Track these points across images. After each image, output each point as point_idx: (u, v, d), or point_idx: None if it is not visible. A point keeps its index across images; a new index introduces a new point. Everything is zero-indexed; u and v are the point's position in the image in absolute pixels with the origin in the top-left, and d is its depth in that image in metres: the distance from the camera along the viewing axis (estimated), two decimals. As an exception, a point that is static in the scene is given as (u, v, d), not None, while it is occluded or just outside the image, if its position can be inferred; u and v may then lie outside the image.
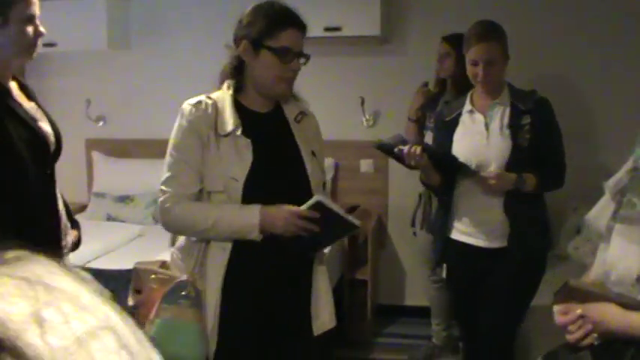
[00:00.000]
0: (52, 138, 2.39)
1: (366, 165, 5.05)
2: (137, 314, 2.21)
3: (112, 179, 5.19)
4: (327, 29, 4.58)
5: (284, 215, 2.24)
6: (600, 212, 2.06)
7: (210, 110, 2.29)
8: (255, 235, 2.24)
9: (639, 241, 1.84)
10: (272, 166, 2.33)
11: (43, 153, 2.34)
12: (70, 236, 2.50)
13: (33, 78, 4.30)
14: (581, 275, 2.59)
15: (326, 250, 2.60)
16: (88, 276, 0.47)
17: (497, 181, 2.91)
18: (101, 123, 5.49)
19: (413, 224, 4.39)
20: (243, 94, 2.37)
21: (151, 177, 4.76)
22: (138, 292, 2.29)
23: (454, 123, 3.10)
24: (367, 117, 5.01)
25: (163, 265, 2.39)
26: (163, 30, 5.25)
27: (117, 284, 3.16)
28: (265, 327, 2.37)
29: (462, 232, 3.09)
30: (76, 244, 2.54)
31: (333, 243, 2.42)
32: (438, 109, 3.45)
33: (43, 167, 2.33)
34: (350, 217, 2.38)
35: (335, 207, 2.31)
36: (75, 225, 2.56)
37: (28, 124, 2.28)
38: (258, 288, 2.34)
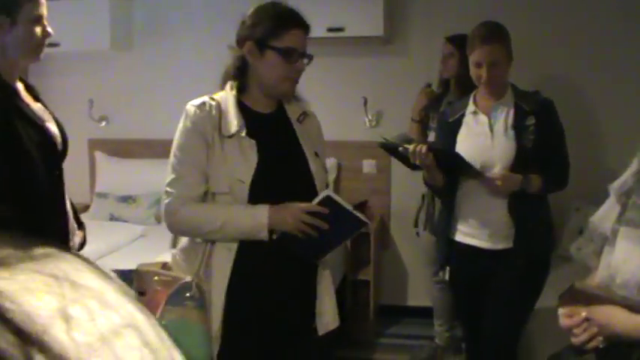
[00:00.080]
0: (59, 139, 2.39)
1: (368, 165, 5.05)
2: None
3: (115, 179, 5.20)
4: (330, 30, 4.58)
5: (293, 212, 2.23)
6: (605, 215, 2.05)
7: (214, 111, 2.29)
8: (264, 235, 2.24)
9: None
10: (277, 166, 2.33)
11: (52, 153, 2.34)
12: (77, 237, 2.51)
13: (35, 78, 4.30)
14: (585, 276, 2.59)
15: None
16: (113, 274, 0.48)
17: (503, 182, 2.89)
18: (104, 123, 5.50)
19: (416, 225, 4.38)
20: (246, 94, 2.37)
21: (153, 177, 4.78)
22: (141, 293, 2.28)
23: (457, 124, 3.08)
24: (370, 117, 5.01)
25: (165, 266, 2.38)
26: (166, 30, 5.26)
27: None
28: (270, 327, 2.37)
29: (465, 233, 3.07)
30: (82, 245, 2.55)
31: (341, 244, 2.41)
32: (440, 111, 3.43)
33: (51, 167, 2.33)
34: (359, 213, 2.39)
35: (344, 202, 2.31)
36: (81, 226, 2.57)
37: (36, 125, 2.29)
38: (263, 288, 2.34)
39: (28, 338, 0.39)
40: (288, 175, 2.36)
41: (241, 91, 2.37)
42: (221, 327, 2.28)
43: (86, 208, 5.14)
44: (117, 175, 5.23)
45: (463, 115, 3.08)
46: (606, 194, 2.07)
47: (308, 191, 2.33)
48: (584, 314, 1.85)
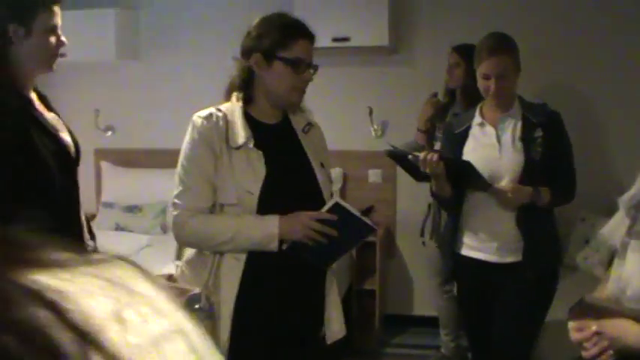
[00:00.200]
0: (72, 148, 2.40)
1: (374, 175, 5.05)
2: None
3: (121, 189, 5.21)
4: (336, 39, 4.59)
5: (303, 220, 2.24)
6: (615, 228, 2.04)
7: (221, 122, 2.29)
8: (274, 246, 2.24)
9: None
10: (285, 177, 2.33)
11: (67, 162, 2.35)
12: (90, 247, 2.51)
13: (42, 88, 4.31)
14: (592, 285, 2.58)
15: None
16: (164, 283, 0.49)
17: (514, 194, 2.86)
18: (110, 133, 5.51)
19: (422, 234, 4.38)
20: (252, 105, 2.38)
21: (159, 187, 4.79)
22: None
23: (464, 136, 3.05)
24: (375, 127, 5.01)
25: (169, 279, 2.38)
26: (172, 41, 5.27)
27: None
28: (278, 337, 2.37)
29: (472, 247, 3.03)
30: None
31: (350, 250, 2.43)
32: (446, 122, 3.41)
33: (67, 176, 2.34)
34: (366, 219, 2.40)
35: (352, 209, 2.31)
36: (92, 237, 2.57)
37: (51, 134, 2.29)
38: (271, 298, 2.34)
39: (85, 337, 0.41)
40: (295, 185, 2.36)
41: (247, 102, 2.37)
42: (229, 337, 2.28)
43: (92, 217, 5.13)
44: (123, 184, 5.24)
45: (469, 127, 3.05)
46: (612, 204, 2.07)
47: (315, 202, 2.33)
48: (594, 328, 1.84)
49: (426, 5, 4.89)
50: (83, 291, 0.44)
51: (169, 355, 0.45)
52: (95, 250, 0.48)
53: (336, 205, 2.27)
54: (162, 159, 5.00)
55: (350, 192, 5.03)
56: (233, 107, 2.35)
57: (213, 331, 2.21)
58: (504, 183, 2.90)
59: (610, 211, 4.05)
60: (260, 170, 2.26)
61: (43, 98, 2.42)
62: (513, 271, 2.94)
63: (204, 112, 2.32)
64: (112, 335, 0.42)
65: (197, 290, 2.21)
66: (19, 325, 0.40)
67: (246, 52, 2.33)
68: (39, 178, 2.20)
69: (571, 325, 1.93)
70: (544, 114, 2.95)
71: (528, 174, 2.89)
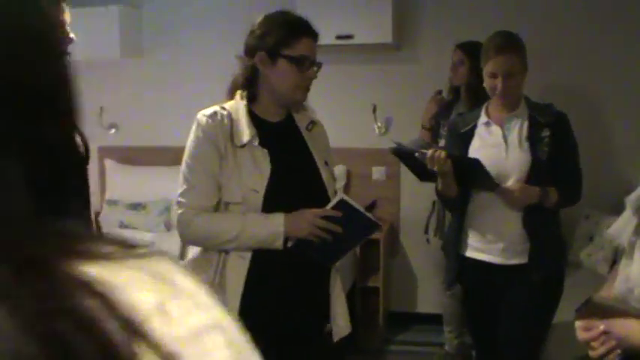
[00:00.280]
0: (82, 147, 2.40)
1: (378, 172, 5.05)
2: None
3: (125, 187, 5.22)
4: (339, 37, 4.59)
5: (308, 217, 2.25)
6: (622, 228, 2.04)
7: (225, 121, 2.29)
8: (280, 244, 2.25)
9: None
10: (290, 175, 2.33)
11: (78, 160, 2.35)
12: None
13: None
14: (595, 283, 2.57)
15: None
16: (204, 279, 0.51)
17: (521, 193, 2.83)
18: (113, 131, 5.52)
19: (426, 231, 4.38)
20: (255, 103, 2.38)
21: (163, 184, 4.80)
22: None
23: (469, 135, 3.01)
24: (379, 124, 5.02)
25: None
26: (175, 39, 5.28)
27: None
28: (284, 334, 2.37)
29: (477, 249, 2.99)
30: None
31: (354, 247, 2.44)
32: (451, 121, 3.38)
33: (77, 175, 2.33)
34: (371, 216, 2.41)
35: (357, 205, 2.33)
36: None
37: None
38: (276, 295, 2.34)
39: (130, 327, 0.44)
40: (300, 183, 2.36)
41: (251, 100, 2.37)
42: None
43: (96, 215, 5.15)
44: (127, 182, 5.25)
45: (475, 127, 3.01)
46: (616, 202, 2.07)
47: (320, 199, 2.33)
48: (602, 327, 1.84)
49: (429, 2, 4.88)
50: (129, 283, 0.47)
51: (208, 347, 0.48)
52: (138, 245, 0.52)
53: (342, 201, 2.28)
54: (166, 157, 5.01)
55: (353, 189, 5.03)
56: (237, 105, 2.35)
57: None
58: (511, 182, 2.87)
59: (614, 208, 4.06)
60: (265, 168, 2.27)
61: None
62: (518, 274, 2.90)
63: (209, 111, 2.32)
64: (156, 326, 0.45)
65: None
66: (73, 314, 0.42)
67: (250, 51, 2.33)
68: None
69: (578, 324, 1.93)
70: (551, 114, 2.92)
71: (535, 174, 2.85)
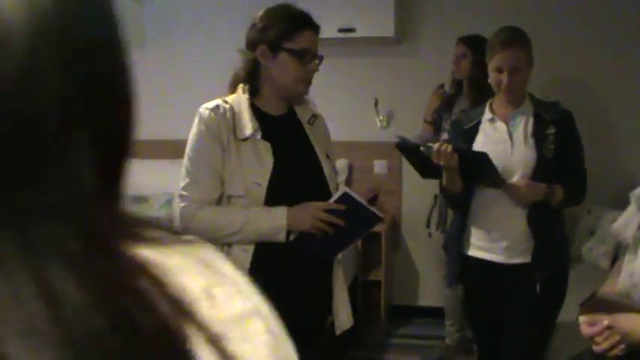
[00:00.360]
0: None
1: (379, 166, 5.06)
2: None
3: (127, 179, 5.21)
4: (341, 30, 4.59)
5: (311, 210, 2.25)
6: (627, 223, 2.03)
7: (228, 114, 2.29)
8: (282, 237, 2.25)
9: None
10: (292, 168, 2.33)
11: None
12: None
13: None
14: (597, 277, 2.58)
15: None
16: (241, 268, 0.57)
17: (527, 189, 2.80)
18: (115, 123, 5.52)
19: (428, 225, 4.38)
20: (257, 97, 2.38)
21: (165, 177, 4.80)
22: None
23: (474, 131, 2.97)
24: (381, 118, 5.01)
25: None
26: (176, 32, 5.28)
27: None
28: (286, 327, 2.37)
29: (479, 247, 2.96)
30: None
31: (356, 240, 2.44)
32: (454, 118, 3.33)
33: None
34: (374, 209, 2.42)
35: (360, 199, 2.33)
36: None
37: None
38: (279, 288, 2.34)
39: (179, 307, 0.48)
40: (302, 177, 2.37)
41: (253, 93, 2.37)
42: None
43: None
44: (129, 175, 5.24)
45: (479, 123, 2.98)
46: (618, 196, 2.07)
47: (322, 193, 2.34)
48: (606, 322, 1.84)
49: (431, -4, 4.88)
50: (179, 267, 0.51)
51: (250, 332, 0.52)
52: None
53: (345, 195, 2.28)
54: (168, 149, 5.01)
55: (355, 183, 5.04)
56: (239, 99, 2.35)
57: None
58: (516, 178, 2.84)
59: (615, 202, 4.06)
60: (268, 161, 2.27)
61: None
62: (522, 273, 2.86)
63: (211, 104, 2.32)
64: (203, 309, 0.49)
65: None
66: (134, 292, 0.46)
67: (252, 44, 2.33)
68: None
69: (582, 319, 1.93)
70: (556, 112, 2.89)
71: (540, 171, 2.82)
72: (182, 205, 2.29)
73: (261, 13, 2.35)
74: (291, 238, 2.27)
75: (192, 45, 5.26)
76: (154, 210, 4.99)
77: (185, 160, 2.32)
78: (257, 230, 2.24)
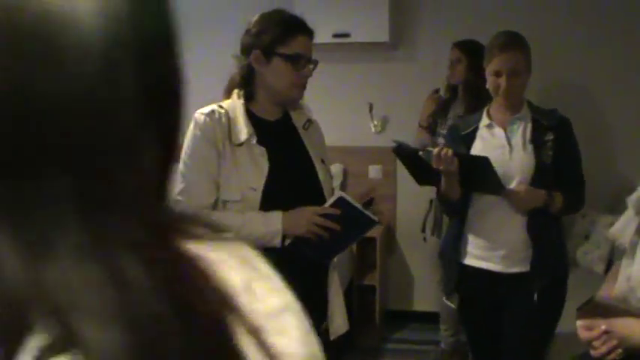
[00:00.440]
0: None
1: (374, 171, 5.06)
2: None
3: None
4: (336, 35, 4.60)
5: (306, 215, 2.25)
6: (624, 228, 2.04)
7: (223, 119, 2.29)
8: (278, 242, 2.25)
9: None
10: (287, 173, 2.33)
11: None
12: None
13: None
14: (592, 283, 2.58)
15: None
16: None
17: (526, 195, 2.75)
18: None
19: (423, 230, 4.39)
20: (252, 102, 2.38)
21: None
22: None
23: (471, 137, 2.92)
24: (375, 123, 5.02)
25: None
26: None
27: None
28: None
29: (476, 256, 2.90)
30: None
31: (352, 244, 2.45)
32: (451, 123, 3.30)
33: None
34: (369, 213, 2.42)
35: (356, 203, 2.34)
36: None
37: None
38: None
39: (222, 297, 0.52)
40: (297, 182, 2.37)
41: (248, 99, 2.37)
42: None
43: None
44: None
45: (477, 129, 2.93)
46: (613, 201, 2.08)
47: (316, 198, 2.34)
48: (603, 327, 1.85)
49: (426, 1, 4.89)
50: (222, 262, 0.55)
51: (285, 326, 0.56)
52: (224, 230, 0.61)
53: (340, 199, 2.28)
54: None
55: (350, 188, 5.03)
56: (234, 104, 2.35)
57: None
58: (515, 184, 2.79)
59: (610, 207, 4.07)
60: (263, 166, 2.27)
61: None
62: (520, 282, 2.81)
63: (207, 109, 2.32)
64: (244, 301, 0.54)
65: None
66: (189, 281, 0.51)
67: (246, 49, 2.33)
68: None
69: (580, 323, 1.93)
70: (554, 118, 2.85)
71: (539, 177, 2.78)
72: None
73: (255, 18, 2.35)
74: (287, 242, 2.27)
75: (187, 50, 5.23)
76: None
77: (180, 165, 2.32)
78: (252, 235, 2.24)
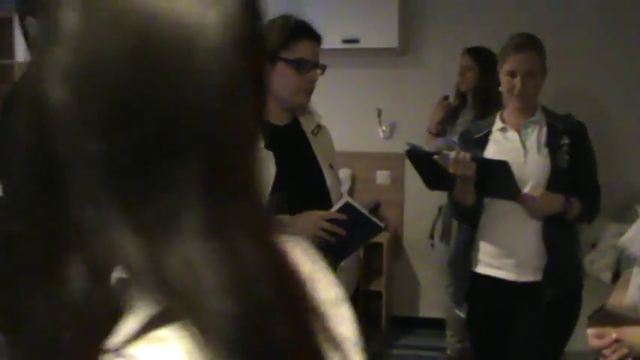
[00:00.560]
0: None
1: (382, 176, 5.06)
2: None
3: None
4: (345, 41, 4.60)
5: (313, 219, 2.25)
6: (635, 236, 2.03)
7: None
8: None
9: None
10: (294, 178, 2.33)
11: None
12: None
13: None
14: (599, 291, 2.56)
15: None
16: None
17: (543, 200, 2.66)
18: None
19: (431, 236, 4.38)
20: (262, 107, 2.38)
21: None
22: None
23: (484, 141, 2.86)
24: (384, 128, 5.02)
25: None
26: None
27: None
28: None
29: (488, 264, 2.82)
30: None
31: (357, 249, 2.44)
32: (464, 128, 3.16)
33: None
34: (376, 219, 2.42)
35: (362, 208, 2.33)
36: None
37: None
38: None
39: (300, 286, 0.58)
40: (304, 187, 2.37)
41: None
42: None
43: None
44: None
45: (490, 133, 2.87)
46: (620, 209, 2.07)
47: (323, 203, 2.34)
48: (614, 335, 1.85)
49: (435, 7, 4.89)
50: (291, 253, 0.61)
51: (342, 316, 0.63)
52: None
53: (347, 204, 2.28)
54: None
55: (358, 193, 5.04)
56: (242, 108, 2.35)
57: None
58: (529, 188, 2.69)
59: (618, 215, 4.06)
60: (270, 171, 2.27)
61: None
62: (533, 293, 2.73)
63: None
64: (311, 289, 0.59)
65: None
66: (285, 268, 0.58)
67: (252, 55, 2.34)
68: None
69: (590, 332, 1.92)
70: (570, 122, 2.80)
71: (555, 182, 2.70)
72: None
73: None
74: None
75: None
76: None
77: None
78: None
